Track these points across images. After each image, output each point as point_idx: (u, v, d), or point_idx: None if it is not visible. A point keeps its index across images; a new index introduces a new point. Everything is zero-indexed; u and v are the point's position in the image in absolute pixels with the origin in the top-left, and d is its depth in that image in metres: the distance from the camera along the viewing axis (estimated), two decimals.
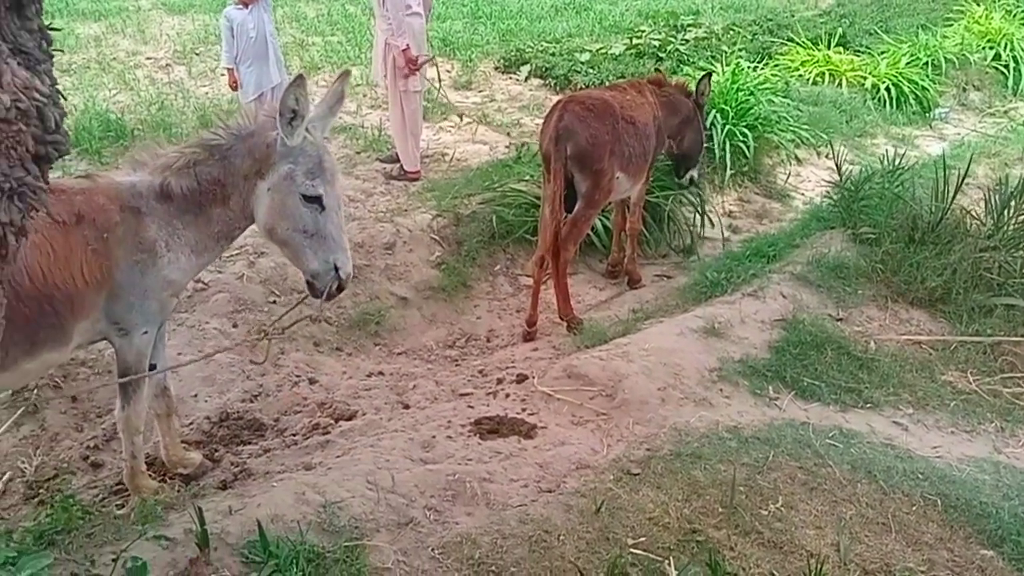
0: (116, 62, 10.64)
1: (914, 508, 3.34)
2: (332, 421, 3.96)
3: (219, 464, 3.67)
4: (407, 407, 4.08)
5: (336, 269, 3.11)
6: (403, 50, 6.51)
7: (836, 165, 5.99)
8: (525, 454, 3.51)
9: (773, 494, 3.31)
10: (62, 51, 9.85)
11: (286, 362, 4.45)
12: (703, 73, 5.80)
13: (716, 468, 3.40)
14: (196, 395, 4.11)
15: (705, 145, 6.11)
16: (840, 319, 4.67)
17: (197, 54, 11.06)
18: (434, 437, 3.61)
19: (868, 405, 4.06)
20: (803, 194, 7.46)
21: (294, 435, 3.88)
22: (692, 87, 5.81)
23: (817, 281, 4.92)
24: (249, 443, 3.84)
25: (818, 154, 7.98)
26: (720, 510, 3.19)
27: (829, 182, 6.30)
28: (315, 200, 3.03)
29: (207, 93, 9.32)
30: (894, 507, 3.32)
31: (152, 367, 3.28)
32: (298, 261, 3.16)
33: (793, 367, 4.20)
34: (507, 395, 4.03)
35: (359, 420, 3.94)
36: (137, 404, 3.23)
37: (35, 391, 3.90)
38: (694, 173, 6.01)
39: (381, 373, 4.55)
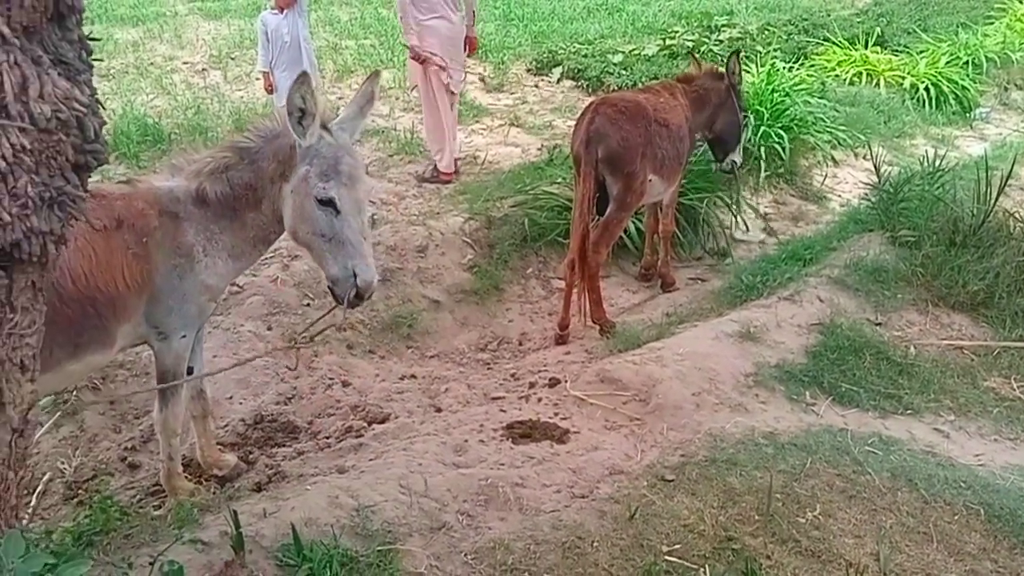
0: (153, 67, 10.81)
1: (956, 517, 3.26)
2: (365, 424, 3.97)
3: (253, 466, 3.69)
4: (439, 410, 4.08)
5: (355, 276, 3.02)
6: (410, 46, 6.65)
7: (874, 166, 5.90)
8: (558, 459, 3.49)
9: (811, 502, 3.25)
10: (101, 59, 10.07)
11: (319, 365, 4.47)
12: (730, 52, 5.66)
13: (752, 475, 3.35)
14: (231, 397, 4.15)
15: (744, 126, 5.90)
16: (879, 324, 4.58)
17: (232, 59, 11.19)
18: (466, 441, 3.60)
19: (908, 411, 3.99)
20: (840, 196, 7.35)
21: (327, 438, 3.89)
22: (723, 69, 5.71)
23: (855, 285, 4.84)
24: (283, 445, 3.87)
25: (855, 155, 7.86)
26: (756, 518, 3.14)
27: (867, 184, 6.20)
28: (328, 203, 2.96)
29: (242, 97, 9.44)
30: (936, 516, 3.25)
31: (190, 370, 3.31)
32: (321, 266, 3.14)
33: (831, 372, 4.13)
34: (539, 399, 4.00)
35: (392, 423, 3.95)
36: (175, 406, 3.27)
37: (74, 393, 3.96)
38: (736, 158, 5.81)
39: (413, 376, 4.56)
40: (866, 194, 5.98)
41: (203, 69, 10.93)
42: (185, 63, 11.21)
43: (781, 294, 4.77)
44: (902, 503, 3.31)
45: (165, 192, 3.05)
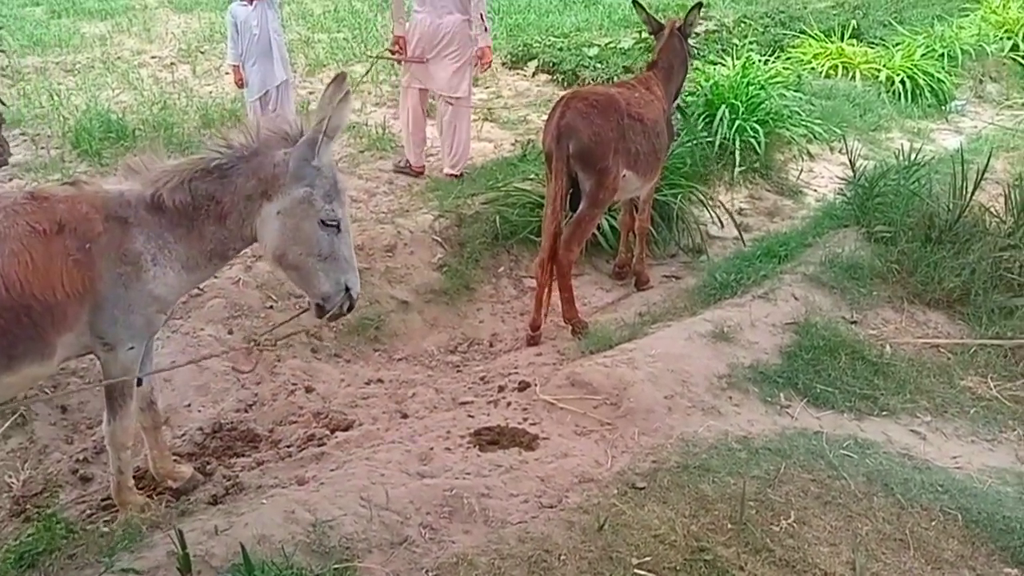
0: (121, 61, 10.56)
1: (933, 523, 3.18)
2: (328, 432, 3.84)
3: (211, 477, 3.55)
4: (405, 416, 3.96)
5: (347, 289, 3.05)
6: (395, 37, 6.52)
7: (850, 161, 5.83)
8: (526, 467, 3.38)
9: (785, 509, 3.16)
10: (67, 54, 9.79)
11: (282, 370, 4.33)
12: (694, 3, 5.56)
13: (725, 481, 3.26)
14: (189, 405, 4.00)
15: (688, 73, 5.85)
16: (854, 322, 4.51)
17: (202, 52, 10.97)
18: (432, 449, 3.49)
19: (884, 413, 3.91)
20: (816, 190, 7.29)
21: (288, 447, 3.76)
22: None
23: (830, 282, 4.76)
24: (242, 455, 3.73)
25: (831, 149, 7.80)
26: (729, 526, 3.05)
27: (843, 178, 6.13)
28: (334, 224, 2.95)
29: (211, 92, 9.22)
30: (912, 522, 3.17)
31: (139, 381, 3.17)
32: (307, 285, 3.06)
33: (805, 373, 4.05)
34: (508, 404, 3.89)
35: (355, 431, 3.82)
36: (124, 419, 3.11)
37: (24, 399, 3.80)
38: (677, 102, 5.75)
39: (380, 380, 4.43)
40: (841, 189, 5.91)
41: (171, 63, 10.69)
42: (153, 57, 10.97)
43: (755, 292, 4.68)
44: (878, 509, 3.23)
45: (115, 196, 2.88)
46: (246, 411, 4.01)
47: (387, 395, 4.21)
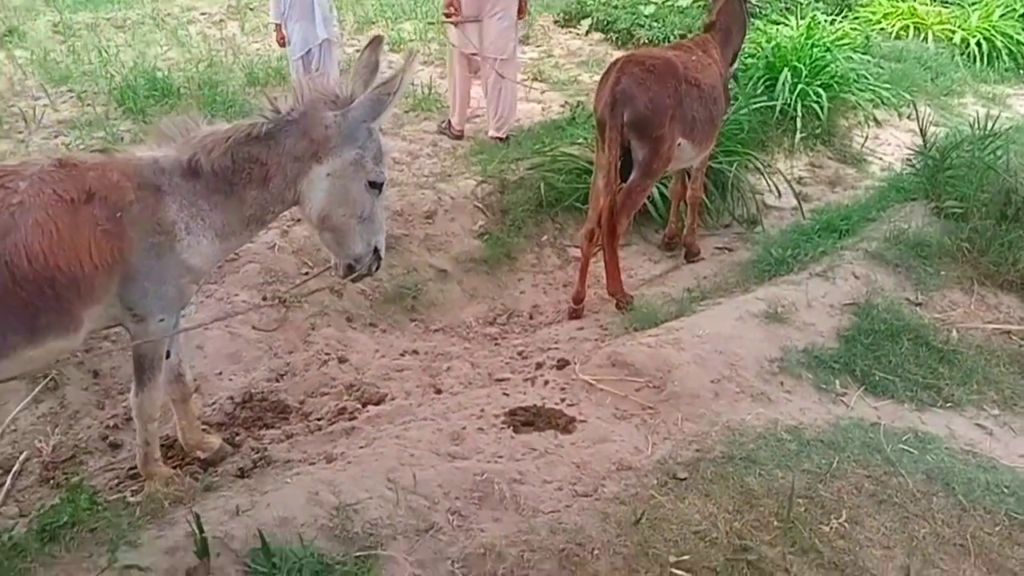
0: (170, 18, 10.50)
1: (997, 528, 2.96)
2: (359, 405, 3.73)
3: (239, 449, 3.47)
4: (439, 392, 3.83)
5: (376, 250, 3.07)
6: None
7: (920, 129, 5.49)
8: (561, 451, 3.22)
9: (836, 507, 2.96)
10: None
11: (316, 339, 4.23)
12: None
13: (773, 475, 3.07)
14: (221, 373, 3.93)
15: (747, 36, 5.65)
16: (919, 304, 4.22)
17: (251, 9, 10.85)
18: (464, 428, 3.35)
19: (948, 404, 3.65)
20: (881, 159, 6.91)
21: (319, 419, 3.66)
22: None
23: (894, 260, 4.47)
24: (272, 427, 3.64)
25: (899, 115, 7.38)
26: (775, 524, 2.86)
27: (911, 147, 5.77)
28: (379, 186, 2.95)
29: (258, 50, 9.12)
30: (974, 526, 2.95)
31: (168, 353, 3.09)
32: (342, 246, 3.03)
33: (864, 359, 3.80)
34: (546, 382, 3.73)
35: (388, 405, 3.71)
36: (152, 391, 3.02)
37: (56, 363, 3.76)
38: (734, 67, 5.46)
39: (415, 352, 4.30)
40: (910, 159, 5.54)
41: (220, 20, 10.61)
42: (203, 14, 10.88)
43: (813, 269, 4.42)
44: (937, 510, 3.01)
45: (148, 162, 2.77)
46: (277, 380, 3.92)
47: (421, 368, 4.08)
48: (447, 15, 6.44)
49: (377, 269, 3.18)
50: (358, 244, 3.01)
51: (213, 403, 3.77)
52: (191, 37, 9.60)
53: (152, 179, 2.74)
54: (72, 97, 7.52)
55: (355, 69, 2.94)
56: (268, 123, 2.80)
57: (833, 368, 3.74)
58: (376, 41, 2.95)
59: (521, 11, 6.39)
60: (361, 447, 3.28)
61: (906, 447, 3.28)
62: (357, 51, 8.99)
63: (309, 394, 3.86)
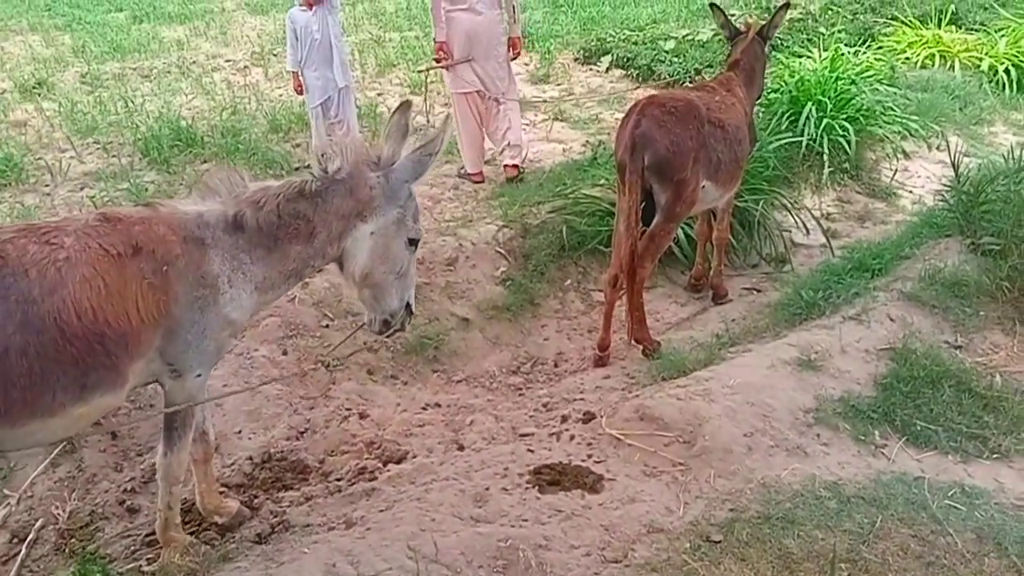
0: (195, 66, 10.66)
1: None
2: (380, 464, 3.64)
3: (258, 512, 3.38)
4: (462, 448, 3.72)
5: (408, 305, 3.17)
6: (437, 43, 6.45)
7: (952, 163, 5.33)
8: (589, 513, 3.10)
9: (881, 570, 2.81)
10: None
11: (337, 393, 4.15)
12: (782, 4, 5.19)
13: (812, 536, 2.92)
14: (240, 431, 3.86)
15: (766, 79, 5.57)
16: (959, 347, 4.06)
17: (275, 55, 10.98)
18: (488, 489, 3.24)
19: (995, 455, 3.48)
20: (911, 192, 6.74)
21: (339, 480, 3.56)
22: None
23: (931, 301, 4.31)
24: (291, 487, 3.55)
25: (929, 147, 7.22)
26: None
27: (941, 178, 5.62)
28: (416, 243, 3.09)
29: (280, 96, 9.20)
30: None
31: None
32: (379, 302, 3.11)
33: (904, 407, 3.64)
34: (572, 437, 3.61)
35: (409, 463, 3.60)
36: (181, 451, 2.98)
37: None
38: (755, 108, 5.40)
39: (438, 405, 4.21)
40: (942, 193, 5.39)
41: (245, 67, 10.75)
42: (228, 61, 11.05)
43: (846, 312, 4.27)
44: (989, 572, 2.85)
45: (192, 217, 2.79)
46: (297, 439, 3.84)
47: (444, 422, 3.98)
48: (437, 60, 6.54)
49: (409, 324, 3.26)
50: (394, 300, 3.10)
51: (232, 463, 3.69)
52: (215, 84, 9.72)
53: (196, 232, 2.76)
54: (98, 148, 7.60)
55: (386, 131, 3.01)
56: (317, 182, 2.87)
57: (871, 418, 3.58)
58: (405, 106, 3.04)
59: (514, 49, 6.50)
60: (381, 510, 3.18)
61: (953, 503, 3.12)
62: (378, 95, 9.11)
63: (329, 452, 3.77)
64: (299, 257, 2.91)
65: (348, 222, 2.91)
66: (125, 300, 2.56)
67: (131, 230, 2.64)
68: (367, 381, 4.34)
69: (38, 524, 3.37)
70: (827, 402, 3.63)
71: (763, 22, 5.19)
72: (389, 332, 3.19)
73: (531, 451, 3.54)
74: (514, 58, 6.63)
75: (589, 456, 3.45)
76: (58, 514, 3.41)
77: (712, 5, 5.28)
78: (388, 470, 3.58)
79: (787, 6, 5.15)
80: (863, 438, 3.49)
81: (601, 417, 3.68)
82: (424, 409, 4.11)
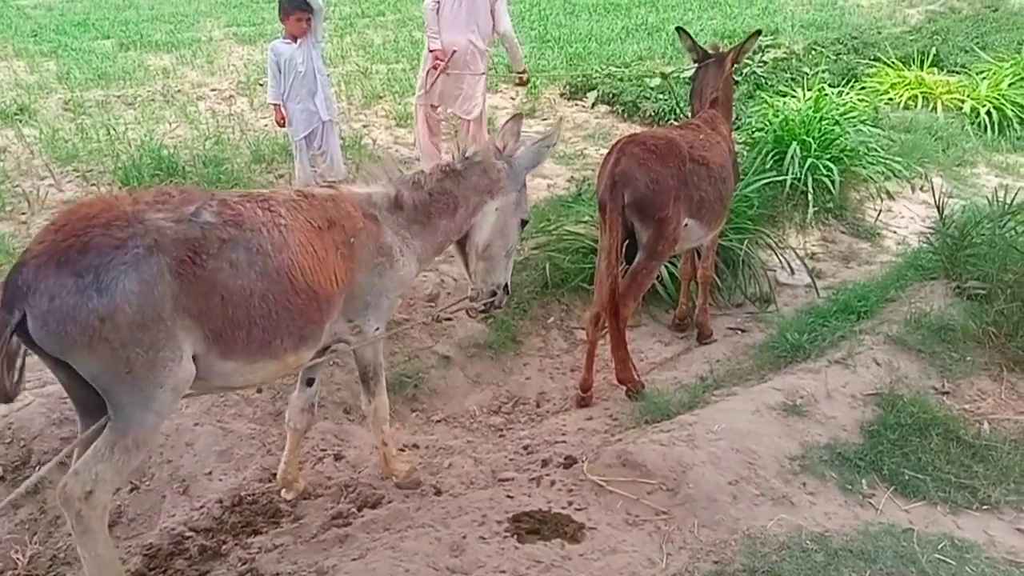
0: (180, 94, 10.58)
1: None
2: (355, 509, 3.51)
3: (226, 559, 3.25)
4: (439, 493, 3.60)
5: (506, 285, 3.65)
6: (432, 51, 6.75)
7: (936, 205, 5.34)
8: (569, 564, 2.99)
9: None
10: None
11: (312, 434, 4.01)
12: (753, 31, 5.28)
13: None
14: (210, 472, 3.72)
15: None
16: (946, 393, 4.01)
17: (261, 84, 10.87)
18: (465, 538, 3.13)
19: (985, 506, 3.42)
20: (895, 232, 6.74)
21: (311, 526, 3.43)
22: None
23: (917, 345, 4.27)
24: (261, 532, 3.42)
25: (912, 187, 7.25)
26: None
27: (927, 224, 5.61)
28: (525, 224, 3.64)
29: (265, 126, 9.12)
30: None
31: (310, 381, 3.46)
32: (490, 276, 3.57)
33: (891, 456, 3.58)
34: (552, 482, 3.51)
35: (384, 509, 3.48)
36: (381, 394, 3.46)
37: (36, 467, 3.58)
38: None
39: (416, 446, 4.09)
40: (926, 235, 5.38)
41: (230, 96, 10.68)
42: (213, 90, 10.98)
43: (831, 355, 4.22)
44: None
45: (364, 197, 3.22)
46: (270, 480, 3.70)
47: (422, 464, 3.86)
48: (435, 67, 6.71)
49: (506, 303, 3.75)
50: (501, 275, 3.59)
51: (201, 506, 3.55)
52: (200, 113, 9.64)
53: (370, 210, 3.19)
54: (77, 176, 7.49)
55: (502, 132, 3.57)
56: (459, 163, 3.39)
57: (858, 467, 3.52)
58: (517, 117, 3.67)
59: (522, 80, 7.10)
60: (354, 559, 3.06)
61: (943, 557, 3.05)
62: (364, 126, 9.05)
63: (303, 495, 3.64)
64: (445, 230, 3.37)
65: (481, 198, 3.40)
66: (328, 266, 2.94)
67: (324, 206, 3.03)
68: (343, 421, 4.22)
69: None
70: (813, 449, 3.56)
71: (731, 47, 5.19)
72: (492, 306, 3.62)
73: (510, 497, 3.43)
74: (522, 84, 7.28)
75: (570, 503, 3.36)
76: (18, 559, 3.27)
77: (679, 29, 5.40)
78: (363, 515, 3.46)
79: (759, 33, 5.19)
80: (850, 487, 3.42)
81: (583, 462, 3.59)
82: (402, 451, 3.99)
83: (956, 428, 3.74)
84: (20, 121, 9.20)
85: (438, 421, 4.44)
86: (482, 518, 3.28)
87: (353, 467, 3.85)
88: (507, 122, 3.62)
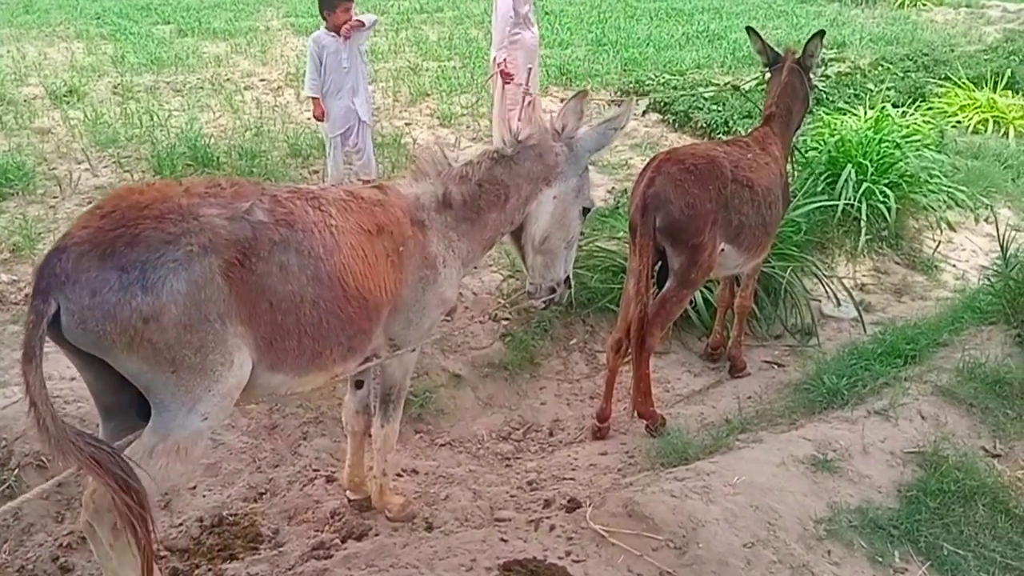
0: (229, 83, 10.55)
1: None
2: (339, 540, 3.30)
3: None
4: (430, 529, 3.37)
5: (567, 278, 3.33)
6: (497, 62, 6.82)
7: (1000, 242, 4.90)
8: None
9: None
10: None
11: (306, 450, 3.84)
12: (815, 32, 4.69)
13: None
14: (195, 487, 3.55)
15: (808, 112, 5.15)
16: (997, 455, 3.63)
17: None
18: None
19: None
20: (954, 266, 6.30)
21: (290, 555, 3.22)
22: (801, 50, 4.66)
23: (968, 399, 3.89)
24: (238, 558, 3.22)
25: (976, 218, 6.78)
26: None
27: (990, 260, 5.19)
28: (587, 212, 3.29)
29: (308, 119, 9.00)
30: None
31: (360, 383, 3.30)
32: (549, 269, 3.25)
33: (930, 526, 3.22)
34: (552, 527, 3.24)
35: (369, 543, 3.26)
36: (395, 422, 3.26)
37: (15, 470, 3.44)
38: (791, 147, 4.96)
39: (415, 471, 3.87)
40: (988, 276, 4.96)
41: (278, 87, 10.62)
42: (262, 80, 10.94)
43: (872, 405, 3.86)
44: None
45: (412, 200, 2.99)
46: (255, 500, 3.52)
47: (417, 494, 3.64)
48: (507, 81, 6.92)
49: (568, 297, 3.47)
50: (560, 268, 3.26)
51: (180, 524, 3.38)
52: (245, 103, 9.58)
53: (418, 215, 2.95)
54: (113, 162, 7.45)
55: (562, 111, 3.16)
56: (510, 148, 3.08)
57: (892, 535, 3.17)
58: (581, 94, 3.20)
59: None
60: None
61: None
62: (407, 123, 8.89)
63: (287, 518, 3.44)
64: (495, 224, 3.09)
65: (536, 186, 3.10)
66: (377, 274, 2.75)
67: (373, 210, 2.82)
68: (339, 438, 4.01)
69: None
70: (842, 512, 3.23)
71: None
72: (552, 301, 3.34)
73: (504, 541, 3.17)
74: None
75: (568, 553, 3.08)
76: None
77: (748, 29, 4.81)
78: (346, 547, 3.24)
79: (822, 34, 4.71)
80: (880, 559, 3.08)
81: (587, 507, 3.31)
82: (399, 476, 3.77)
83: (1006, 498, 3.37)
84: (68, 103, 9.25)
85: (442, 445, 4.19)
86: (471, 562, 3.02)
87: (344, 491, 3.63)
88: (569, 100, 3.21)
